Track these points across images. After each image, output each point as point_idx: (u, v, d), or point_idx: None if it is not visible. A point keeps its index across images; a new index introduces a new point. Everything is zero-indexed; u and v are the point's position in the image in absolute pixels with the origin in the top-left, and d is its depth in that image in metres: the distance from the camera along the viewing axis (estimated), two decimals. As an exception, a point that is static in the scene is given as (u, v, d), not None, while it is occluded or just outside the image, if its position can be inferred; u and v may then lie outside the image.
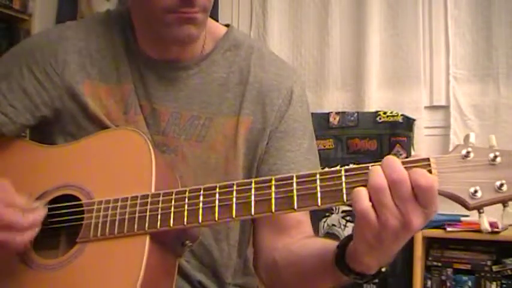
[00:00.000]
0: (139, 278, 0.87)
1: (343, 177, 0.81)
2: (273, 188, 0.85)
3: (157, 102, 1.08)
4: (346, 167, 0.82)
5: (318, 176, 0.83)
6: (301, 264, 1.02)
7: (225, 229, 1.10)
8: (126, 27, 1.11)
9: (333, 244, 0.91)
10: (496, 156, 0.77)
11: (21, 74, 1.08)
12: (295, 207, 0.83)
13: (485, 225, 0.78)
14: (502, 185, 0.75)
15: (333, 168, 0.83)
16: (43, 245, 0.98)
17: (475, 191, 0.76)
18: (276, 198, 0.84)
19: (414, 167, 0.78)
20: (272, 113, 1.09)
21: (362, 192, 0.78)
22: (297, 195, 0.83)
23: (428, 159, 0.79)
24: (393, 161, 0.78)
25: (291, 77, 1.14)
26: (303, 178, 0.84)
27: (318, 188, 0.82)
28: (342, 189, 0.81)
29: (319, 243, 1.01)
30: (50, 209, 0.96)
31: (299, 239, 1.06)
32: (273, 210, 0.84)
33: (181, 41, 1.03)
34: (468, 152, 0.78)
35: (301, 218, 1.09)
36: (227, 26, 1.17)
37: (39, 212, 0.93)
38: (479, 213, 0.78)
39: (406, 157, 1.01)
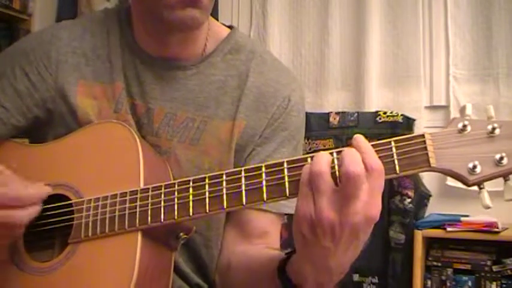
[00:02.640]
0: (133, 276, 0.85)
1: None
2: (263, 175, 0.80)
3: (152, 102, 1.05)
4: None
5: (309, 160, 0.79)
6: (250, 270, 1.00)
7: (215, 236, 1.08)
8: (123, 25, 1.09)
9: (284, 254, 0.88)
10: (494, 128, 0.74)
11: (14, 74, 1.06)
12: (287, 194, 0.80)
13: (487, 202, 0.74)
14: (502, 158, 0.72)
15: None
16: (38, 248, 0.97)
17: (474, 166, 0.73)
18: (267, 186, 0.80)
19: (409, 144, 0.75)
20: (265, 120, 1.07)
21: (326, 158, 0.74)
22: (289, 182, 0.79)
23: (423, 136, 0.75)
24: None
25: (290, 85, 1.10)
26: (295, 164, 0.79)
27: None
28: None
29: (274, 253, 0.97)
30: (41, 211, 0.93)
31: (259, 248, 1.03)
32: (265, 199, 0.80)
33: (185, 24, 0.98)
34: (465, 126, 0.76)
35: (269, 229, 1.06)
36: (230, 27, 1.14)
37: (41, 188, 0.91)
38: (480, 188, 0.74)
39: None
